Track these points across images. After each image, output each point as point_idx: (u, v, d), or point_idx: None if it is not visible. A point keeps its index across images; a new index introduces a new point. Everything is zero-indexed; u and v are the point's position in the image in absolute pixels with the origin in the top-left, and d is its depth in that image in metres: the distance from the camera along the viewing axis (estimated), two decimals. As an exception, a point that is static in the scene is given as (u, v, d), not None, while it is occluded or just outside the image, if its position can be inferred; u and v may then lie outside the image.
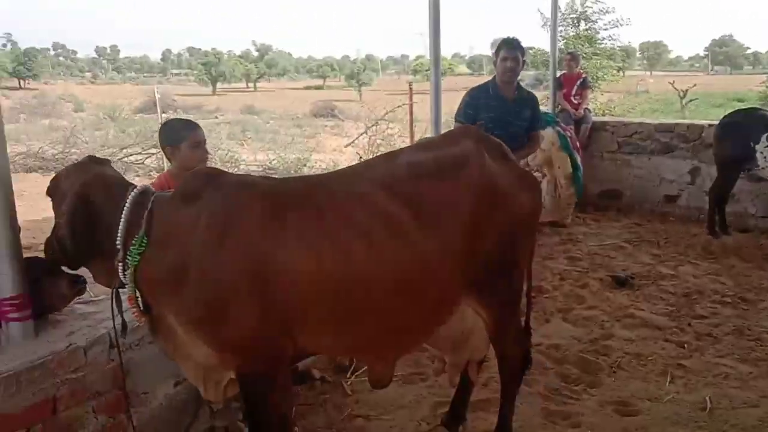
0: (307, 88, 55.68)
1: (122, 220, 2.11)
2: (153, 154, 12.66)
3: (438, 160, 2.36)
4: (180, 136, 2.93)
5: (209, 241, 2.05)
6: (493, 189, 2.37)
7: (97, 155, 2.57)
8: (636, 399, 3.23)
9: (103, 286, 2.36)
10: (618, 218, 7.22)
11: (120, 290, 2.23)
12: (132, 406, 2.54)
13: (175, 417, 2.76)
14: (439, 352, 2.73)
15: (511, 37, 4.52)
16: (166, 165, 3.80)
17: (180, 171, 2.91)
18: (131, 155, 12.95)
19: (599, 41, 15.43)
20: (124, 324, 2.28)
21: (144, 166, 12.71)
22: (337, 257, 2.09)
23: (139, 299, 2.18)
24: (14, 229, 2.35)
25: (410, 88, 9.97)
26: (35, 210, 5.96)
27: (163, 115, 23.71)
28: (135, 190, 2.20)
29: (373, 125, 11.74)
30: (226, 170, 2.44)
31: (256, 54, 61.49)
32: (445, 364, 2.73)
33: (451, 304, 2.40)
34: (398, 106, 11.76)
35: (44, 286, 2.42)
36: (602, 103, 14.95)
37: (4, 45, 64.73)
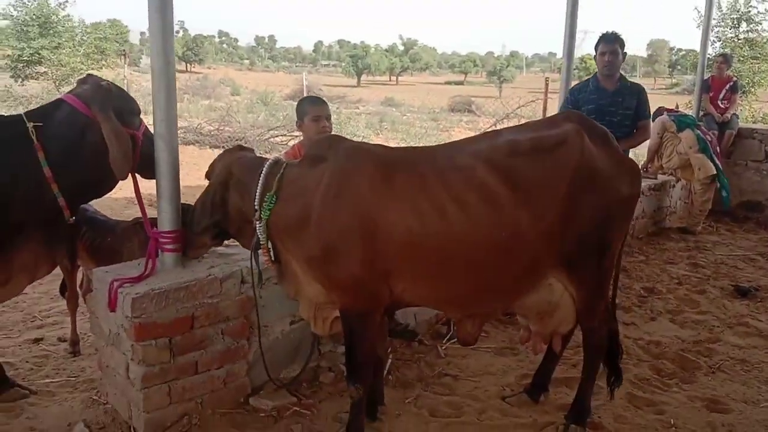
0: (448, 83, 55.98)
1: (259, 185, 2.57)
2: (297, 136, 13.61)
3: (537, 140, 2.55)
4: (304, 111, 3.37)
5: (328, 194, 2.45)
6: (591, 171, 2.51)
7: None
8: (730, 399, 3.19)
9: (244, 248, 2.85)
10: (755, 230, 6.77)
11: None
12: (253, 335, 3.00)
13: (288, 350, 3.20)
14: (525, 320, 2.90)
15: (609, 31, 4.61)
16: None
17: (307, 141, 3.36)
18: (277, 136, 14.02)
19: (762, 44, 14.11)
20: (260, 274, 2.75)
21: (287, 147, 13.71)
22: (434, 218, 2.37)
23: (271, 250, 2.62)
24: (176, 179, 2.87)
25: (546, 84, 9.90)
26: (190, 178, 6.81)
27: (311, 103, 25.11)
28: (269, 161, 2.66)
29: (503, 119, 11.76)
30: (345, 137, 2.81)
31: (401, 48, 62.86)
32: (531, 333, 2.90)
33: (538, 275, 2.58)
34: (532, 101, 11.70)
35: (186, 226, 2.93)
36: (755, 110, 13.71)
37: (177, 31, 71.50)
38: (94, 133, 2.72)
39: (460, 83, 56.92)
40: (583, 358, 2.89)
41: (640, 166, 4.33)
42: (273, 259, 2.64)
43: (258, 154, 2.94)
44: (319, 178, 2.50)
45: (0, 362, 3.13)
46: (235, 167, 2.71)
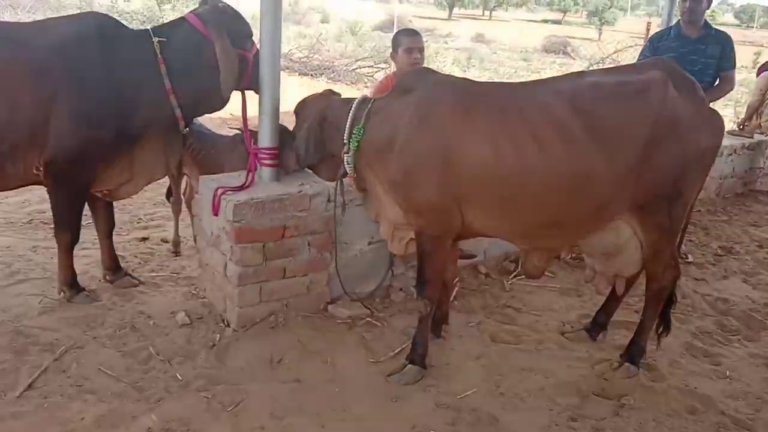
0: (545, 21, 53.37)
1: (348, 120, 2.79)
2: (383, 68, 13.67)
3: (621, 84, 2.60)
4: (399, 41, 3.53)
5: (412, 122, 2.63)
6: (672, 120, 2.55)
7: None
8: (794, 362, 3.22)
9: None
10: None
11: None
12: (331, 251, 3.29)
13: (364, 268, 3.47)
14: (591, 260, 3.03)
15: None
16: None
17: (399, 73, 3.52)
18: (364, 68, 14.12)
19: None
20: (343, 205, 3.02)
21: (373, 79, 13.81)
22: (509, 151, 2.51)
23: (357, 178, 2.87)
24: (276, 99, 3.12)
25: (647, 28, 9.41)
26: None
27: (390, 34, 24.84)
28: (357, 99, 2.88)
29: (597, 63, 11.32)
30: (435, 70, 2.95)
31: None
32: (596, 273, 3.03)
33: (607, 217, 2.69)
34: (630, 46, 11.16)
35: (282, 153, 3.19)
36: None
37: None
38: (209, 52, 2.99)
39: (558, 22, 54.08)
40: (644, 300, 3.00)
41: (733, 122, 4.22)
42: (358, 186, 2.90)
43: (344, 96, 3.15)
44: (405, 107, 2.68)
45: (116, 255, 3.59)
46: (329, 111, 2.94)
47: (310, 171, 3.21)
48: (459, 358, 3.03)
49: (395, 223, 2.88)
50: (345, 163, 2.84)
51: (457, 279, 3.79)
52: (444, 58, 18.97)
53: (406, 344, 3.02)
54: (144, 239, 4.30)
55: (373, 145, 2.75)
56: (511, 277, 3.95)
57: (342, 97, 3.09)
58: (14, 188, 3.17)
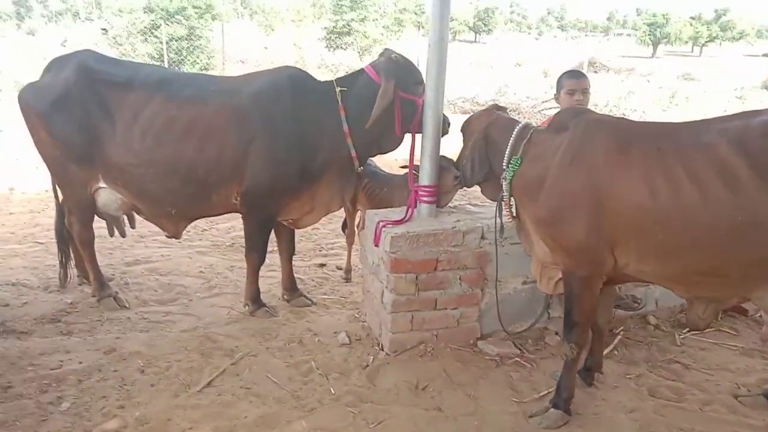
0: (766, 55, 47.82)
1: (508, 146, 2.88)
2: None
3: None
4: (561, 84, 3.54)
5: (563, 161, 2.63)
6: None
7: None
8: None
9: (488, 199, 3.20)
10: None
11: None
12: (487, 286, 3.36)
13: (517, 307, 3.48)
14: (765, 313, 2.71)
15: None
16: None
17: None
18: (550, 108, 13.95)
19: None
20: (502, 226, 3.09)
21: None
22: (667, 194, 2.39)
23: (513, 206, 2.93)
24: (437, 141, 3.33)
25: None
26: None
27: (594, 73, 24.04)
28: (519, 125, 2.92)
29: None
30: (591, 109, 2.92)
31: (712, 15, 55.46)
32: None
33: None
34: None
35: (438, 179, 3.36)
36: None
37: (470, 2, 73.73)
38: None
39: (785, 56, 48.12)
40: None
41: None
42: (514, 215, 2.93)
43: (511, 116, 3.22)
44: (558, 145, 2.70)
45: (294, 277, 4.03)
46: (492, 128, 3.02)
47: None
48: (609, 410, 2.88)
49: (543, 261, 2.88)
50: (503, 188, 2.92)
51: (621, 328, 3.63)
52: (641, 97, 17.96)
53: (554, 388, 2.96)
54: (322, 265, 4.74)
55: (525, 180, 2.80)
56: (684, 331, 3.65)
57: (507, 115, 3.16)
58: (217, 215, 3.77)
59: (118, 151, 3.35)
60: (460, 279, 3.32)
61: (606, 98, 16.90)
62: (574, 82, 3.53)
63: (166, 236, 3.83)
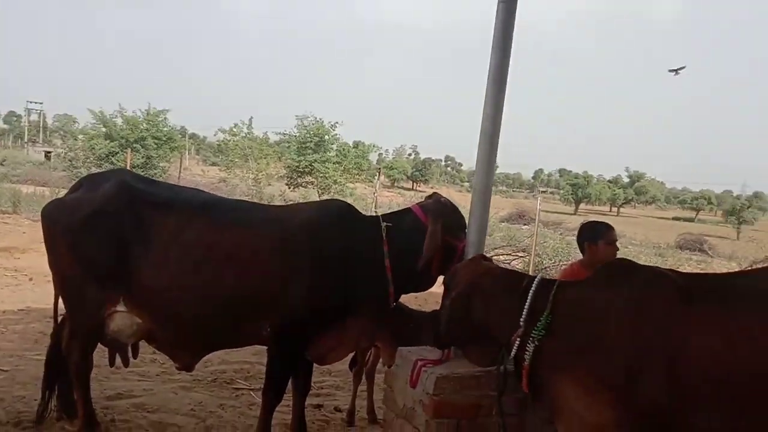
0: (676, 219, 52.47)
1: (528, 301, 2.66)
2: (521, 256, 13.89)
3: None
4: (600, 233, 3.56)
5: (626, 317, 2.53)
6: None
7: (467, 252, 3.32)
8: None
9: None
10: None
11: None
12: (523, 436, 3.19)
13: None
14: None
15: None
16: (532, 268, 4.50)
17: (591, 263, 3.53)
18: (500, 255, 14.44)
19: None
20: (502, 390, 2.80)
21: (510, 266, 14.00)
22: (739, 349, 2.40)
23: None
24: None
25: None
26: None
27: (525, 226, 25.42)
28: (537, 277, 2.77)
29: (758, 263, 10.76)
30: (637, 262, 3.00)
31: (626, 180, 61.11)
32: None
33: None
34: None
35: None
36: None
37: (410, 154, 78.45)
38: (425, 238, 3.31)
39: (690, 220, 52.98)
40: None
41: None
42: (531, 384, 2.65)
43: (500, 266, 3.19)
44: (612, 300, 2.57)
45: (305, 419, 3.72)
46: (485, 278, 2.83)
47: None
48: None
49: (596, 425, 2.55)
50: (516, 349, 2.65)
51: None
52: (574, 249, 18.91)
53: None
54: (319, 406, 4.42)
55: (565, 343, 2.60)
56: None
57: (497, 266, 3.03)
58: (240, 346, 3.50)
59: (152, 273, 3.14)
60: (499, 426, 3.15)
61: (544, 248, 17.72)
62: (613, 233, 3.58)
63: (176, 368, 3.51)
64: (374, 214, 3.63)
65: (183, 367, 3.45)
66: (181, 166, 20.91)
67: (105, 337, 3.34)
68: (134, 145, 17.67)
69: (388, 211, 3.78)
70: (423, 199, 3.65)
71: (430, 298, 4.63)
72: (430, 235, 3.28)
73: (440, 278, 3.52)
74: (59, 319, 3.56)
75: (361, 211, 3.67)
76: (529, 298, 2.68)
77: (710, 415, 2.47)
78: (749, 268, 2.98)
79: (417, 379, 3.11)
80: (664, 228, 38.10)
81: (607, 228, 3.61)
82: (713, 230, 39.68)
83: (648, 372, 2.45)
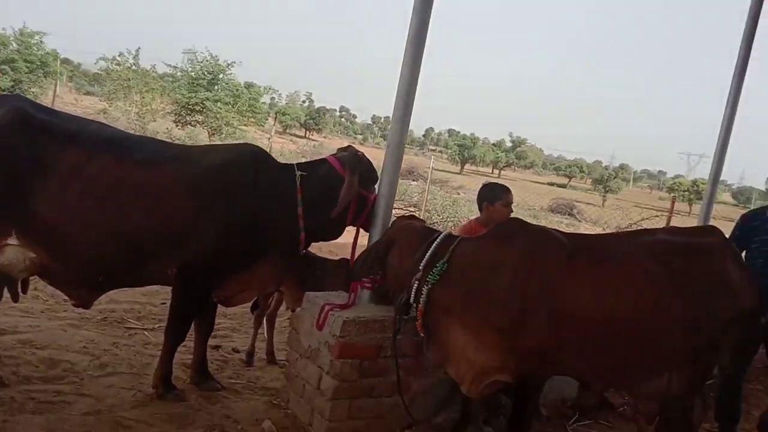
0: (551, 184, 56.03)
1: (430, 249, 2.97)
2: (411, 210, 14.35)
3: (689, 243, 3.00)
4: (497, 195, 3.83)
5: (518, 271, 2.86)
6: (727, 281, 2.88)
7: None
8: None
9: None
10: None
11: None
12: (416, 376, 3.45)
13: (439, 395, 3.58)
14: (635, 399, 3.15)
15: None
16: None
17: (488, 222, 3.79)
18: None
19: None
20: (399, 329, 3.10)
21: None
22: (610, 297, 2.78)
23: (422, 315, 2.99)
24: (386, 225, 3.46)
25: (673, 202, 10.07)
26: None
27: (413, 182, 26.09)
28: (444, 232, 3.12)
29: (614, 228, 11.92)
30: (528, 221, 3.29)
31: (509, 144, 64.14)
32: (637, 411, 3.16)
33: (670, 362, 2.87)
34: (644, 219, 11.82)
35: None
36: None
37: (304, 101, 76.76)
38: (340, 188, 3.39)
39: (563, 186, 56.79)
40: None
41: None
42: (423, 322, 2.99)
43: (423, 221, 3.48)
44: (506, 255, 2.92)
45: (207, 359, 3.75)
46: (404, 232, 3.19)
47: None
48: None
49: (483, 366, 2.94)
50: (413, 291, 2.95)
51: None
52: (458, 207, 19.81)
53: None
54: (217, 347, 4.44)
55: (462, 288, 2.91)
56: (571, 421, 4.05)
57: (423, 224, 3.35)
58: (142, 285, 3.42)
59: (50, 207, 2.96)
60: (396, 367, 3.37)
61: (432, 206, 18.40)
62: (510, 195, 3.85)
63: (73, 305, 3.38)
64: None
65: (80, 304, 3.34)
66: (55, 94, 19.26)
67: None
68: (2, 66, 15.91)
69: (297, 161, 3.80)
70: (337, 151, 3.70)
71: (336, 249, 4.75)
72: (348, 185, 3.37)
73: (348, 228, 3.67)
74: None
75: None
76: (432, 247, 2.97)
77: (577, 354, 2.86)
78: (617, 231, 3.39)
79: (324, 322, 3.24)
80: (540, 191, 40.44)
81: (505, 191, 3.90)
82: (583, 197, 42.88)
83: (533, 318, 2.79)
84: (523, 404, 2.95)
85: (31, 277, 3.43)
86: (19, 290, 3.34)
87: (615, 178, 50.16)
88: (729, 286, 2.88)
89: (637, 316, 2.79)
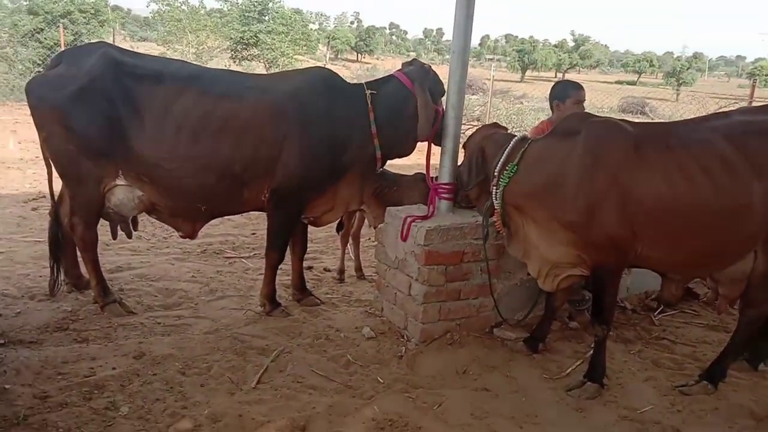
0: (619, 82, 53.37)
1: (503, 156, 3.09)
2: (474, 125, 14.19)
3: (766, 122, 2.87)
4: (567, 93, 3.79)
5: (585, 162, 2.89)
6: None
7: None
8: None
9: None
10: None
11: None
12: (499, 278, 3.62)
13: (525, 296, 3.76)
14: (714, 284, 3.19)
15: None
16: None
17: (557, 118, 3.83)
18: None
19: None
20: (488, 232, 3.31)
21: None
22: (682, 185, 2.77)
23: (501, 215, 3.16)
24: (458, 142, 3.55)
25: (753, 87, 9.46)
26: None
27: (473, 96, 25.54)
28: (517, 137, 3.19)
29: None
30: (594, 114, 3.28)
31: (572, 44, 60.97)
32: (719, 295, 3.19)
33: (752, 245, 2.89)
34: (722, 108, 11.17)
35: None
36: None
37: (352, 23, 75.13)
38: (411, 105, 3.49)
39: (633, 83, 54.03)
40: (738, 326, 3.15)
41: None
42: (503, 222, 3.18)
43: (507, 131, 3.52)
44: (569, 148, 2.94)
45: (305, 276, 4.05)
46: (488, 141, 3.28)
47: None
48: (629, 380, 3.23)
49: (556, 261, 3.09)
50: (492, 197, 3.14)
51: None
52: (523, 117, 19.35)
53: (576, 365, 3.29)
54: (309, 268, 4.76)
55: (529, 186, 3.00)
56: (656, 313, 4.14)
57: (501, 131, 3.41)
58: (242, 212, 3.71)
59: (149, 145, 3.23)
60: (480, 270, 3.55)
61: (496, 118, 18.06)
62: (582, 93, 3.80)
63: (180, 236, 3.71)
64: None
65: (186, 235, 3.65)
66: (113, 42, 19.72)
67: (107, 211, 3.47)
68: (62, 20, 16.36)
69: (371, 79, 3.88)
70: (402, 66, 3.75)
71: (405, 168, 4.86)
72: (424, 105, 3.45)
73: (419, 144, 3.77)
74: (55, 197, 3.65)
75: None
76: (505, 152, 3.08)
77: (656, 245, 2.90)
78: (688, 119, 3.28)
79: (408, 234, 3.42)
80: (608, 92, 38.58)
81: (576, 87, 3.83)
82: (654, 93, 40.54)
83: (602, 212, 2.83)
84: (601, 297, 3.05)
85: (140, 215, 3.76)
86: (131, 228, 3.69)
87: (688, 69, 47.07)
88: None
89: (712, 203, 2.77)
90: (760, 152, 2.80)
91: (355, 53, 61.64)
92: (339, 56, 55.61)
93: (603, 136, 2.95)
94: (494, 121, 15.44)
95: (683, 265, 3.07)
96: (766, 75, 42.36)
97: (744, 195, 2.78)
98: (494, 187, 3.15)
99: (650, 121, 24.69)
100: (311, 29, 25.14)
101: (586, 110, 3.90)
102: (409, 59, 3.92)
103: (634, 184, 2.82)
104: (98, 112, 3.20)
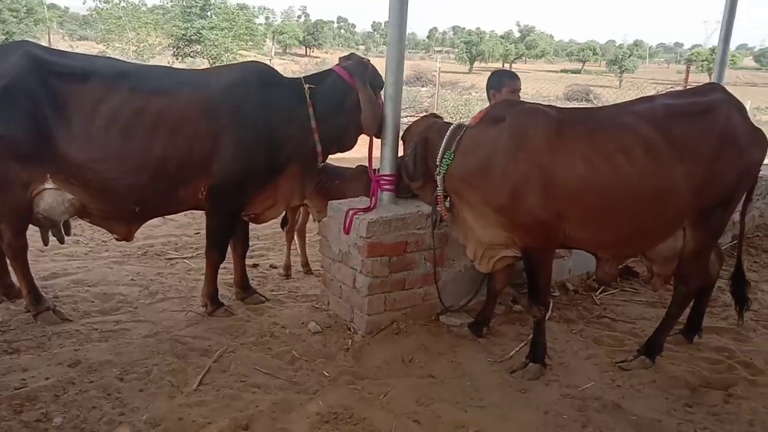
0: (564, 71, 54.55)
1: (442, 144, 3.14)
2: (420, 115, 14.26)
3: (690, 105, 2.99)
4: (503, 83, 3.84)
5: (508, 147, 2.95)
6: (733, 137, 2.91)
7: None
8: None
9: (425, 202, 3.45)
10: None
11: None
12: (443, 266, 3.65)
13: (467, 283, 3.80)
14: (649, 263, 3.31)
15: None
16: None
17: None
18: (404, 117, 14.73)
19: None
20: (436, 219, 3.37)
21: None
22: (603, 167, 2.84)
23: (447, 201, 3.22)
24: (397, 133, 3.55)
25: (687, 71, 9.82)
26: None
27: (423, 88, 25.67)
28: (453, 125, 3.22)
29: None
30: (522, 100, 3.33)
31: (518, 35, 61.93)
32: (653, 273, 3.32)
33: (679, 224, 3.01)
34: (661, 93, 11.55)
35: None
36: None
37: (299, 17, 74.37)
38: (352, 99, 3.46)
39: (577, 72, 55.30)
40: (672, 301, 3.29)
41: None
42: (448, 208, 3.24)
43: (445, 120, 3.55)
44: (497, 134, 3.00)
45: (247, 274, 3.99)
46: (429, 132, 3.30)
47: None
48: (571, 359, 3.31)
49: (489, 243, 3.17)
50: (438, 184, 3.18)
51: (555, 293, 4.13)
52: (471, 108, 19.57)
53: (520, 347, 3.35)
54: (255, 266, 4.69)
55: (463, 171, 3.07)
56: (598, 292, 4.26)
57: (440, 121, 3.44)
58: (179, 212, 3.61)
59: (78, 146, 3.09)
60: (424, 259, 3.57)
61: (444, 109, 18.20)
62: (517, 82, 3.86)
63: (116, 239, 3.59)
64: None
65: (122, 237, 3.53)
66: (49, 42, 19.05)
67: (36, 216, 3.33)
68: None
69: (308, 74, 3.84)
70: (339, 61, 3.72)
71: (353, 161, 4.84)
72: (368, 99, 3.43)
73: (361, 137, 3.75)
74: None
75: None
76: (443, 141, 3.12)
77: (582, 226, 2.98)
78: (611, 104, 3.38)
79: (350, 226, 3.41)
80: (554, 81, 39.53)
81: (511, 77, 3.90)
82: (598, 80, 41.78)
83: (527, 196, 2.90)
84: (535, 278, 3.11)
85: (72, 219, 3.63)
86: (63, 233, 3.55)
87: (630, 56, 48.53)
88: (735, 141, 2.92)
89: (634, 185, 2.84)
90: (683, 135, 2.89)
91: (304, 48, 61.08)
92: (287, 51, 55.01)
93: (525, 121, 3.01)
94: (441, 112, 15.69)
95: (611, 245, 3.15)
96: (702, 61, 43.91)
97: (666, 177, 2.87)
98: (437, 175, 3.18)
99: (595, 106, 25.41)
100: (256, 24, 24.76)
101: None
102: (347, 54, 3.89)
103: (555, 167, 2.88)
104: (22, 112, 3.06)
